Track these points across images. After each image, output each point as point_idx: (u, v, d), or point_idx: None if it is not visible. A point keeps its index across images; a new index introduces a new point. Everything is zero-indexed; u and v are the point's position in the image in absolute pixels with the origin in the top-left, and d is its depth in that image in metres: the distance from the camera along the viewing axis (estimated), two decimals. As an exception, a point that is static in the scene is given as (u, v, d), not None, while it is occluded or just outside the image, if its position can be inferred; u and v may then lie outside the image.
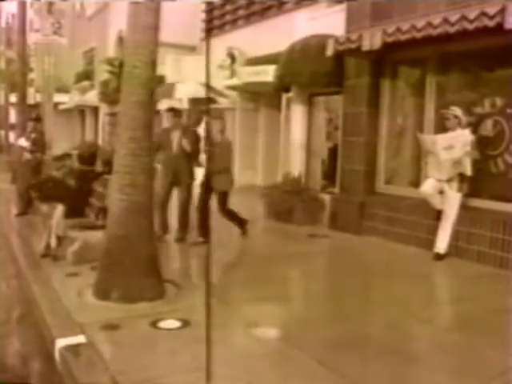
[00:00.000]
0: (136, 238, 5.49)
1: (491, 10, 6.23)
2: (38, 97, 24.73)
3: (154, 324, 4.82)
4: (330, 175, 11.27)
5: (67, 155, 7.28)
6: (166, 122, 10.25)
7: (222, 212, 8.28)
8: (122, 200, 5.47)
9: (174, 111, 8.59)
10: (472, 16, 6.42)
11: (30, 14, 15.27)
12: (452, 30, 6.64)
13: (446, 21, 6.71)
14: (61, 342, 4.42)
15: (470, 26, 6.44)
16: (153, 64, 5.54)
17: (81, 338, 4.48)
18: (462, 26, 6.54)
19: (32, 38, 14.16)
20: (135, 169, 5.45)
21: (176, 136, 8.19)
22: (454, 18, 6.62)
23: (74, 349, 4.30)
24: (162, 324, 4.84)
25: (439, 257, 7.52)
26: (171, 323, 4.86)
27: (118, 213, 5.53)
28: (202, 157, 8.32)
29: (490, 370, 4.12)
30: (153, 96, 5.61)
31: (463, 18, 6.50)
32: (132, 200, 5.45)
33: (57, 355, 4.39)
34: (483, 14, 6.30)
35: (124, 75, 5.65)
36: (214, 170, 7.87)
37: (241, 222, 8.70)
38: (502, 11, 6.12)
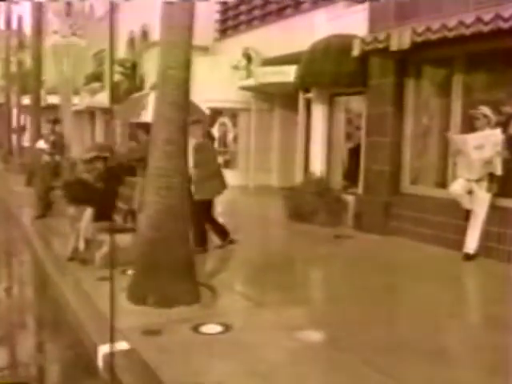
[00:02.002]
0: (172, 241, 5.42)
1: (526, 9, 6.16)
2: (49, 99, 24.75)
3: (195, 329, 4.75)
4: (350, 175, 11.19)
5: (96, 158, 7.18)
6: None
7: (204, 222, 7.75)
8: (158, 203, 5.40)
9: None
10: (507, 14, 6.33)
11: (45, 15, 15.24)
12: (485, 29, 6.56)
13: (479, 20, 6.62)
14: (104, 349, 4.36)
15: (505, 25, 6.35)
16: (187, 64, 5.48)
17: (124, 345, 4.41)
18: (495, 25, 6.45)
19: (51, 39, 14.14)
20: (170, 171, 5.38)
21: None
22: (487, 16, 6.53)
23: (118, 355, 4.22)
24: (204, 329, 4.77)
25: (469, 257, 7.44)
26: (213, 328, 4.79)
27: (154, 216, 5.46)
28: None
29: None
30: (188, 97, 5.54)
31: (497, 16, 6.42)
32: (167, 203, 5.38)
33: (100, 362, 4.32)
34: (518, 12, 6.22)
35: (158, 76, 5.58)
36: (196, 178, 7.46)
37: (224, 233, 8.05)
38: (538, 9, 6.04)
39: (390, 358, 4.25)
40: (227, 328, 4.78)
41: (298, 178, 12.50)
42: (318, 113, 11.59)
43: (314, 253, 7.91)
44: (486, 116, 7.34)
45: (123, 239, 6.96)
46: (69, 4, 12.66)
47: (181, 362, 4.11)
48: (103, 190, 7.22)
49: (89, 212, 7.03)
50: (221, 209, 11.73)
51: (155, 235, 5.44)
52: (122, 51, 22.61)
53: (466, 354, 4.49)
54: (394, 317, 5.35)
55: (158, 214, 5.42)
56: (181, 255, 5.47)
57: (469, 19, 6.78)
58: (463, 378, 4.01)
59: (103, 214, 7.19)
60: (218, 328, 4.78)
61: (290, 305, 5.56)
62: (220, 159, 17.39)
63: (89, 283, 6.23)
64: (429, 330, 4.93)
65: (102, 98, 24.28)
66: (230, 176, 16.06)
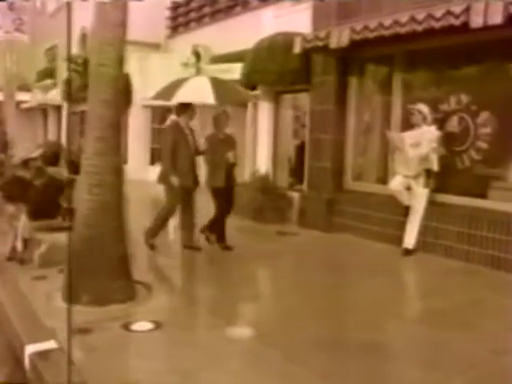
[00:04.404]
0: (105, 238, 5.39)
1: (457, 9, 6.29)
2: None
3: (125, 326, 4.73)
4: (297, 173, 11.26)
5: (34, 158, 7.11)
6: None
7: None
8: (90, 200, 5.37)
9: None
10: (438, 14, 6.47)
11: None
12: (419, 28, 6.69)
13: (412, 19, 6.76)
14: (30, 349, 4.31)
15: (437, 25, 6.50)
16: (120, 62, 5.44)
17: (52, 344, 4.37)
18: (428, 24, 6.59)
19: (-8, 34, 13.86)
20: (103, 168, 5.35)
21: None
22: (420, 16, 6.67)
23: (44, 355, 4.19)
24: (135, 326, 4.76)
25: (408, 252, 7.61)
26: (143, 325, 4.78)
27: (86, 213, 5.42)
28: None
29: (460, 363, 4.16)
30: (120, 94, 5.51)
31: (430, 16, 6.55)
32: (100, 200, 5.36)
33: (26, 362, 4.27)
34: (449, 12, 6.36)
35: (90, 73, 5.55)
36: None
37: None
38: (467, 10, 6.18)
39: (316, 353, 4.30)
40: (158, 325, 4.78)
41: (247, 175, 12.52)
42: (265, 110, 11.65)
43: (257, 250, 7.94)
44: (420, 112, 7.52)
45: (61, 238, 6.89)
46: (11, -1, 12.46)
47: (107, 360, 4.10)
48: (41, 188, 7.12)
49: (25, 211, 6.93)
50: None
51: (88, 233, 5.40)
52: (74, 47, 22.24)
53: (400, 349, 4.56)
54: (330, 313, 5.38)
55: (91, 212, 5.38)
56: (115, 253, 5.44)
57: (403, 18, 6.91)
58: (395, 372, 4.06)
59: (42, 212, 7.09)
60: (148, 325, 4.78)
61: (225, 302, 5.58)
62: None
63: (25, 282, 6.14)
64: (365, 325, 4.99)
65: (55, 95, 23.90)
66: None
